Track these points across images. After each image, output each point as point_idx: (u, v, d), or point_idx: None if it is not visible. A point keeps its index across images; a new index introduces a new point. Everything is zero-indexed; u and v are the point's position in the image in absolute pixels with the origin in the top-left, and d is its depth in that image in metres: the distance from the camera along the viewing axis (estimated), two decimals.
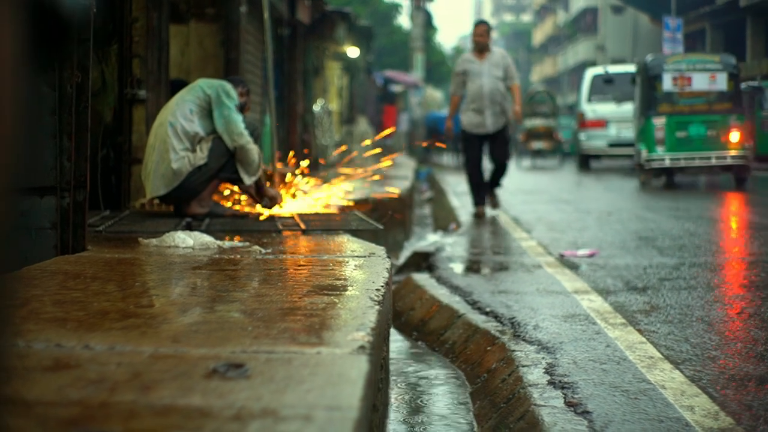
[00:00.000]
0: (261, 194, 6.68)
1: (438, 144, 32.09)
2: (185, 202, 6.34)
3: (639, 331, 4.39)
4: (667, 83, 16.29)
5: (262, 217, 6.51)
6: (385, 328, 3.21)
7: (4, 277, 0.80)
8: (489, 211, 11.07)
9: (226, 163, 6.33)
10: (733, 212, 10.81)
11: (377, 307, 2.95)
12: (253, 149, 6.38)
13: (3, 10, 0.78)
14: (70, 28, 1.03)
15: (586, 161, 24.30)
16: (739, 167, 15.82)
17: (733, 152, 15.75)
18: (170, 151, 6.19)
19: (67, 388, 2.01)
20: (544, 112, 28.51)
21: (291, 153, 10.70)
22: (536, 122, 28.45)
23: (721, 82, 16.22)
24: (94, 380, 2.07)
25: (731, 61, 16.71)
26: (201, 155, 6.23)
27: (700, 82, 16.23)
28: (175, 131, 6.22)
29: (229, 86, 6.40)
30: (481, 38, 11.09)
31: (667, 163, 15.97)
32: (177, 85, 7.71)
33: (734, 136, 15.88)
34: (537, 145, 28.49)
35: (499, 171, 11.02)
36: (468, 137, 10.99)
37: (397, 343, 5.16)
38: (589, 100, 24.28)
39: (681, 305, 5.07)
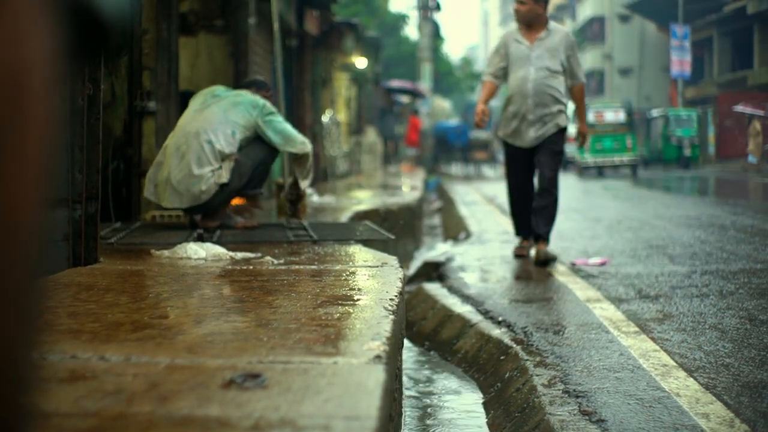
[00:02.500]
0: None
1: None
2: (196, 213, 6.34)
3: (652, 339, 4.39)
4: (591, 117, 28.15)
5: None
6: (399, 338, 3.21)
7: (33, 285, 0.80)
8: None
9: (247, 182, 6.33)
10: (739, 218, 10.78)
11: (392, 316, 2.95)
12: (311, 154, 6.57)
13: (36, 14, 0.78)
14: (116, 38, 1.04)
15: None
16: (632, 165, 28.61)
17: (627, 156, 28.50)
18: (204, 167, 6.10)
19: (84, 399, 2.01)
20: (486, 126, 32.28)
21: None
22: (480, 135, 33.07)
23: (621, 116, 29.30)
24: (110, 391, 2.07)
25: (628, 104, 30.73)
26: (224, 174, 6.18)
27: (609, 116, 29.30)
28: (213, 149, 6.12)
29: (263, 101, 6.43)
30: (522, 6, 7.39)
31: (591, 162, 28.54)
32: (187, 97, 7.72)
33: (631, 145, 28.56)
34: (479, 155, 33.64)
35: (544, 197, 7.31)
36: (509, 151, 7.63)
37: (409, 352, 5.15)
38: None
39: (693, 313, 5.06)
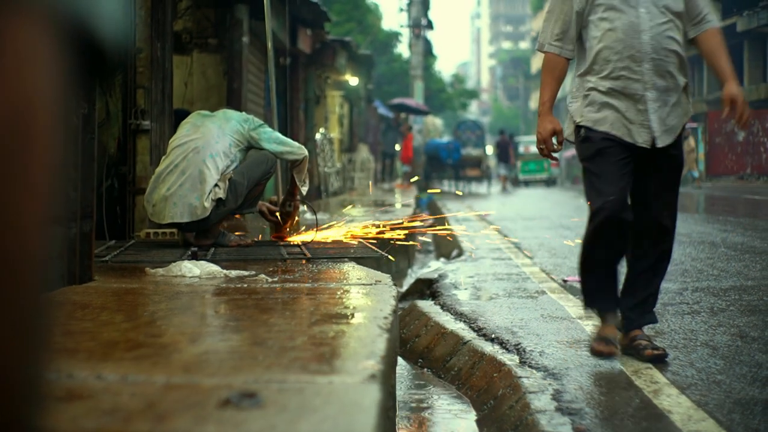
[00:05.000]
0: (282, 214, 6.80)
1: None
2: (192, 231, 6.36)
3: None
4: (521, 148, 45.71)
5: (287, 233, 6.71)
6: (393, 356, 3.23)
7: (40, 303, 0.83)
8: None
9: (243, 203, 6.39)
10: (729, 235, 10.83)
11: (386, 335, 2.97)
12: (307, 159, 6.65)
13: (43, 48, 0.81)
14: (114, 63, 1.07)
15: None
16: (546, 180, 44.28)
17: (545, 174, 43.93)
18: (206, 183, 6.15)
19: (82, 418, 2.03)
20: (474, 141, 35.25)
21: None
22: (471, 152, 34.05)
23: None
24: (108, 410, 2.08)
25: None
26: (220, 192, 6.22)
27: (533, 149, 37.28)
28: (215, 164, 6.19)
29: (250, 115, 6.64)
30: None
31: (521, 178, 43.63)
32: (181, 115, 7.75)
33: (544, 168, 43.50)
34: (471, 172, 34.47)
35: (653, 253, 4.43)
36: (599, 150, 4.28)
37: (402, 370, 5.16)
38: None
39: (685, 330, 5.08)
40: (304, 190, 6.65)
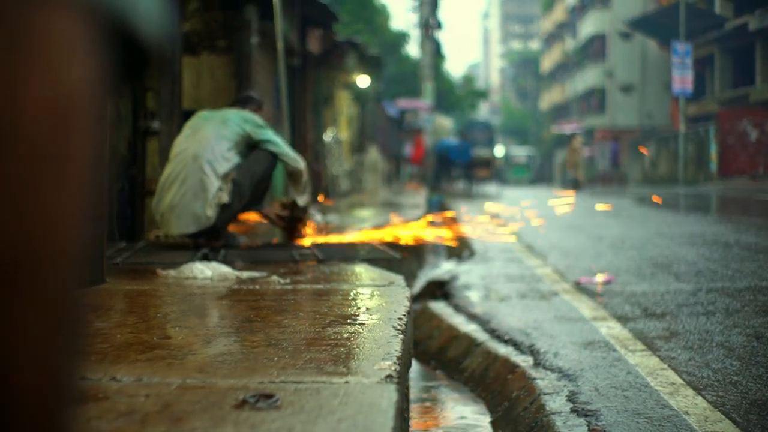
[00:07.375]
0: (287, 219, 6.75)
1: None
2: (200, 238, 6.35)
3: (659, 357, 4.38)
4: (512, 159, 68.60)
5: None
6: (408, 358, 3.21)
7: (78, 298, 0.82)
8: None
9: (249, 202, 6.36)
10: (743, 236, 10.77)
11: (401, 336, 2.95)
12: (305, 171, 6.60)
13: (83, 41, 0.80)
14: (153, 54, 1.07)
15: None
16: (528, 181, 62.47)
17: (527, 176, 64.47)
18: (208, 191, 6.13)
19: (97, 420, 2.01)
20: (483, 142, 35.99)
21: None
22: (480, 152, 34.87)
23: (523, 159, 67.74)
24: (123, 412, 2.07)
25: (528, 157, 68.93)
26: (224, 195, 6.21)
27: (519, 159, 67.70)
28: (214, 170, 6.16)
29: (252, 115, 6.54)
30: None
31: (511, 179, 60.42)
32: (189, 117, 7.74)
33: (527, 172, 64.99)
34: (481, 173, 35.48)
35: None
36: None
37: (416, 371, 5.14)
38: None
39: (700, 331, 5.05)
40: (302, 200, 6.59)
